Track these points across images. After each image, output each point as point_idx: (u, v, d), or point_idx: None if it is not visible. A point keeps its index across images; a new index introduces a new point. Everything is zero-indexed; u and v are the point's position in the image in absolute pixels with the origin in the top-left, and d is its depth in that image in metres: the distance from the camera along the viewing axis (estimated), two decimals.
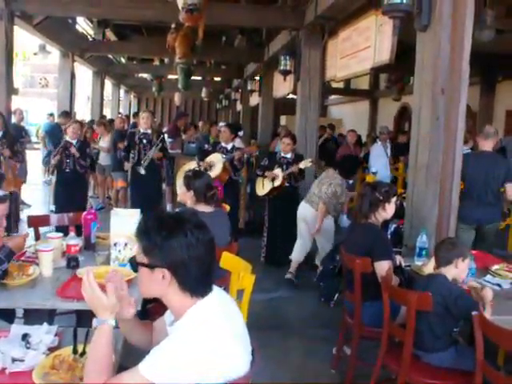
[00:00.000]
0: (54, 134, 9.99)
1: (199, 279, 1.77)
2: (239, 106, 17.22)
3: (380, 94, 16.56)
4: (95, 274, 1.85)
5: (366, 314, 3.53)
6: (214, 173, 6.55)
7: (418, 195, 4.35)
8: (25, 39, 14.30)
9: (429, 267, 3.46)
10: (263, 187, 6.60)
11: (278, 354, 4.15)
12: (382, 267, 3.39)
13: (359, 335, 3.58)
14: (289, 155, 6.51)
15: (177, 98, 19.72)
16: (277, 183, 6.41)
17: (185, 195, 3.83)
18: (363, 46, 6.28)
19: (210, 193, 3.78)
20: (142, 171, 6.88)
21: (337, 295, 5.14)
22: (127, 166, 7.12)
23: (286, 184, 6.45)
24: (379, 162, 9.43)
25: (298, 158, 6.55)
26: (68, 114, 10.42)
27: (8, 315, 3.38)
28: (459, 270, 2.95)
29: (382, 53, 5.63)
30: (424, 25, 4.16)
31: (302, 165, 6.33)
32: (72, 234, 3.47)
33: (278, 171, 6.42)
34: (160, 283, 1.76)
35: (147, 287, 1.83)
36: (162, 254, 1.74)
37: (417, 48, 4.38)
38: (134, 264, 1.82)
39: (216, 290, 1.85)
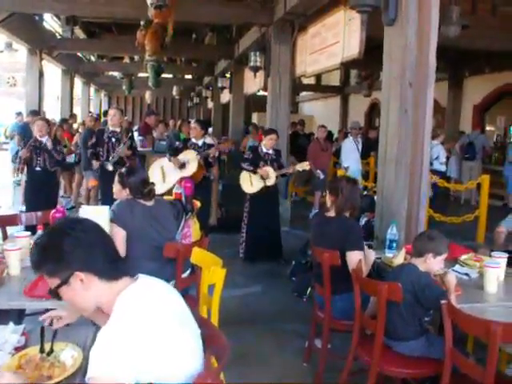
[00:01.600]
0: (24, 133, 9.85)
1: (111, 260, 1.78)
2: (210, 104, 17.19)
3: (351, 90, 16.68)
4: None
5: (335, 307, 3.55)
6: (190, 170, 6.49)
7: (387, 188, 4.40)
8: None
9: (399, 259, 3.51)
10: (251, 184, 6.48)
11: (250, 348, 4.15)
12: (354, 257, 3.41)
13: (329, 328, 3.60)
14: (271, 151, 6.49)
15: (148, 96, 19.62)
16: (270, 183, 6.35)
17: (120, 193, 3.72)
18: (332, 42, 6.32)
19: (146, 189, 3.66)
20: (110, 167, 6.78)
21: (309, 290, 5.17)
22: (95, 164, 6.99)
23: None
24: (351, 157, 9.52)
25: (278, 153, 6.58)
26: (36, 113, 10.26)
27: None
28: (428, 265, 2.93)
29: (350, 48, 5.68)
30: (391, 19, 4.21)
31: (299, 167, 6.34)
32: (40, 231, 3.42)
33: (269, 169, 6.35)
34: (83, 288, 1.74)
35: (80, 302, 1.80)
36: (65, 263, 1.72)
37: (384, 42, 4.43)
38: (55, 294, 1.79)
39: (143, 277, 1.84)
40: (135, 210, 3.58)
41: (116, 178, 3.76)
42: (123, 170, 3.83)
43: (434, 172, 8.08)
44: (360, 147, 9.72)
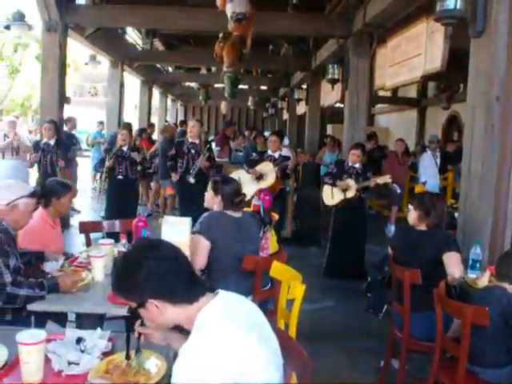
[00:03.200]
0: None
1: (185, 285, 1.79)
2: (285, 115, 17.23)
3: (428, 102, 16.26)
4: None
5: (415, 326, 3.46)
6: (268, 182, 6.52)
7: (471, 206, 4.24)
8: (76, 49, 14.68)
9: (483, 280, 3.36)
10: (332, 197, 6.44)
11: (323, 365, 4.08)
12: (453, 257, 3.42)
13: (408, 348, 3.50)
14: (357, 165, 6.40)
15: (223, 107, 19.87)
16: (349, 195, 6.27)
17: (212, 199, 3.77)
18: (413, 54, 6.20)
19: (237, 199, 3.71)
20: (192, 180, 6.93)
21: (385, 307, 5.05)
22: (175, 177, 7.16)
23: None
24: (429, 172, 9.28)
25: (367, 168, 6.49)
26: (129, 125, 10.55)
27: (60, 318, 3.47)
28: None
29: (433, 60, 5.54)
30: (478, 31, 4.07)
31: (380, 180, 6.23)
32: (123, 240, 3.53)
33: (350, 182, 6.27)
34: (158, 314, 1.79)
35: (158, 321, 1.85)
36: (139, 293, 1.78)
37: (470, 55, 4.29)
38: (134, 313, 1.86)
39: (221, 294, 1.83)
40: (223, 223, 3.62)
41: (210, 185, 3.82)
42: (218, 177, 3.92)
43: None
44: (438, 161, 9.46)
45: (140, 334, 2.00)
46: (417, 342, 3.47)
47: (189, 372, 1.60)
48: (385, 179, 6.20)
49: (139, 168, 7.14)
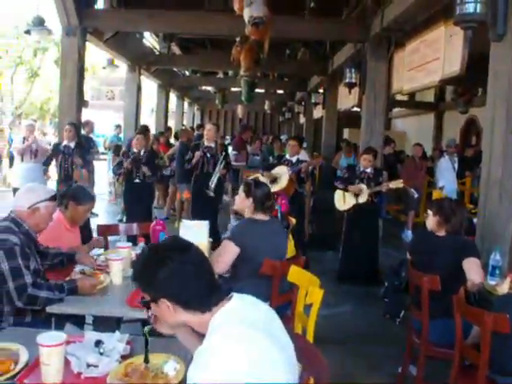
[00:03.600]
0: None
1: (200, 295, 1.78)
2: (302, 119, 17.21)
3: (446, 106, 16.14)
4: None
5: (433, 332, 3.43)
6: (280, 185, 6.52)
7: (490, 212, 4.20)
8: (93, 53, 14.83)
9: (503, 287, 3.32)
10: (344, 202, 6.43)
11: (340, 370, 4.07)
12: (473, 262, 3.43)
13: (426, 355, 3.47)
14: (369, 169, 6.37)
15: (240, 111, 19.91)
16: (361, 200, 6.25)
17: (243, 202, 3.82)
18: (432, 58, 6.16)
19: (268, 203, 3.78)
20: (212, 194, 6.97)
21: (403, 312, 5.01)
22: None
23: None
24: (446, 177, 9.20)
25: (379, 173, 6.46)
26: (147, 128, 10.61)
27: (78, 321, 3.49)
28: None
29: (452, 65, 5.50)
30: (499, 34, 4.02)
31: (392, 185, 6.20)
32: (142, 243, 3.54)
33: (362, 187, 6.25)
34: (168, 313, 1.80)
35: (168, 320, 1.86)
36: (155, 289, 1.78)
37: (490, 58, 4.24)
38: (146, 305, 1.87)
39: (236, 297, 1.82)
40: (255, 229, 3.69)
41: (242, 188, 3.89)
42: (250, 180, 4.00)
43: None
44: (456, 166, 9.38)
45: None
46: (435, 348, 3.43)
47: (205, 374, 1.59)
48: (397, 184, 6.17)
49: (150, 175, 7.17)
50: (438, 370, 3.53)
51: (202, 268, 1.80)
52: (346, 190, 6.36)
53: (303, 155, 7.33)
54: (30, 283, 2.82)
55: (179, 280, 1.75)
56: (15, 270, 2.82)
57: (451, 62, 5.53)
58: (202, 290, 1.78)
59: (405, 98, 16.28)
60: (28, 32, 9.01)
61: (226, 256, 3.57)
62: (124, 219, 7.85)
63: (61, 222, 3.84)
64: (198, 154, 7.12)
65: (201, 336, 1.85)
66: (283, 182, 6.59)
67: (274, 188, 6.53)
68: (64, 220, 3.87)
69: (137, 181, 7.12)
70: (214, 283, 1.84)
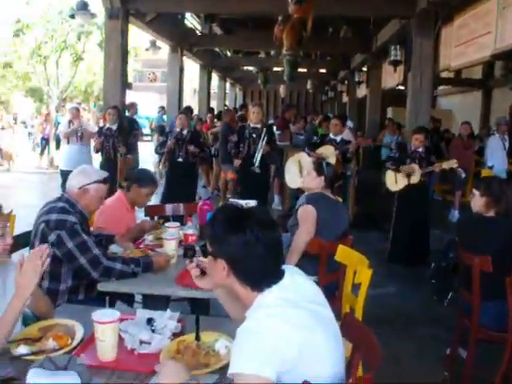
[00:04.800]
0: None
1: (259, 275, 1.76)
2: (345, 98, 17.00)
3: (495, 83, 15.63)
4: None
5: (484, 315, 3.35)
6: None
7: None
8: (136, 36, 14.94)
9: None
10: (396, 182, 6.32)
11: (388, 351, 4.02)
12: None
13: (476, 338, 3.40)
14: (420, 149, 6.24)
15: (282, 90, 19.79)
16: (414, 180, 6.13)
17: (313, 180, 3.90)
18: (482, 32, 5.98)
19: (337, 183, 3.89)
20: (258, 170, 6.96)
21: (450, 294, 4.94)
22: (237, 162, 7.18)
23: None
24: (496, 156, 8.89)
25: (428, 151, 6.32)
26: (190, 109, 10.68)
27: (128, 299, 3.57)
28: None
29: (504, 38, 5.33)
30: None
31: (445, 165, 6.08)
32: (190, 223, 3.57)
33: (415, 167, 6.12)
34: (220, 273, 1.79)
35: (212, 275, 1.90)
36: (221, 247, 1.77)
37: None
38: (204, 250, 1.90)
39: (288, 272, 1.82)
40: (327, 202, 3.84)
41: (312, 166, 3.97)
42: (320, 159, 4.18)
43: None
44: (507, 145, 9.08)
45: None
46: (486, 331, 3.35)
47: (245, 357, 1.60)
48: (451, 164, 6.02)
49: (198, 151, 7.22)
50: (487, 353, 3.46)
51: (272, 251, 1.77)
52: (397, 170, 6.25)
53: (347, 134, 7.22)
54: (101, 254, 2.90)
55: (247, 253, 1.74)
56: (82, 246, 2.88)
57: (504, 36, 5.35)
58: (262, 271, 1.77)
59: (451, 74, 15.86)
60: (72, 16, 9.16)
61: (310, 219, 3.67)
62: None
63: (122, 203, 3.93)
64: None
65: (238, 300, 1.88)
66: (331, 163, 6.53)
67: None
68: (126, 201, 3.94)
69: (180, 160, 7.16)
70: (276, 269, 1.81)
